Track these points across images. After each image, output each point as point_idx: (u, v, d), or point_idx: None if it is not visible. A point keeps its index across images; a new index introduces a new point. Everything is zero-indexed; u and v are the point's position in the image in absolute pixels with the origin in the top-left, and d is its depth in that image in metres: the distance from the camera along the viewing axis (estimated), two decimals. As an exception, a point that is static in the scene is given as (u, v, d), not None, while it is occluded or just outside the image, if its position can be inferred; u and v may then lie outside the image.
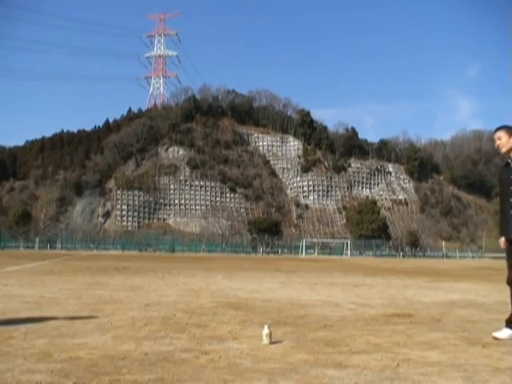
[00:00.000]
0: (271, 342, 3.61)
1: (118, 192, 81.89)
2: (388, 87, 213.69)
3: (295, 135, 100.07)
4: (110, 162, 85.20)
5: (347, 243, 54.60)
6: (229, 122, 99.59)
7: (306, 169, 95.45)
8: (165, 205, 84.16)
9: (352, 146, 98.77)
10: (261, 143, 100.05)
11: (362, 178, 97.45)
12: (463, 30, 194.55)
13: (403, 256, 56.92)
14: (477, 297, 7.60)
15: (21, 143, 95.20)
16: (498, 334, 4.00)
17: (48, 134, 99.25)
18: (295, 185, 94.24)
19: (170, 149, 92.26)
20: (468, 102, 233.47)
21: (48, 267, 14.16)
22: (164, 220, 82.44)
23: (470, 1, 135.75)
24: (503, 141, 4.18)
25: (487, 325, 4.75)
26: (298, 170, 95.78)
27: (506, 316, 5.38)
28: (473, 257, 57.65)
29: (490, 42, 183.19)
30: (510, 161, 4.16)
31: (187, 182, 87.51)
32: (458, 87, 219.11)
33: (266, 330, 3.65)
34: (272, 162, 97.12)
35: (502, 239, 4.18)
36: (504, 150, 4.20)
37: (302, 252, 51.75)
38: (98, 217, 79.91)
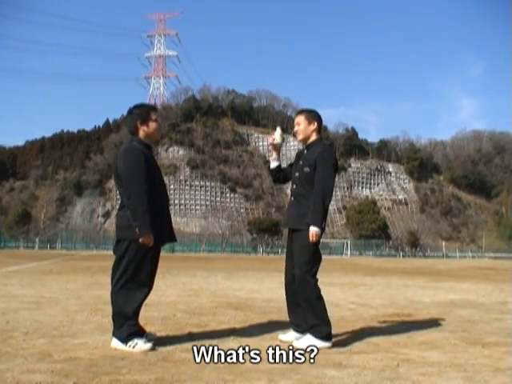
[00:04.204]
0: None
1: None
2: (392, 87, 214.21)
3: (295, 135, 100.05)
4: (110, 161, 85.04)
5: (347, 243, 54.57)
6: (229, 121, 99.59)
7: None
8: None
9: (352, 145, 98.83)
10: (261, 143, 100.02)
11: (362, 178, 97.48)
12: (467, 29, 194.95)
13: (403, 256, 56.92)
14: (477, 297, 7.60)
15: (21, 143, 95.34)
16: (282, 337, 3.73)
17: (48, 134, 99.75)
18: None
19: (170, 149, 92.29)
20: (471, 101, 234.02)
21: (48, 267, 14.15)
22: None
23: (473, 0, 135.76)
24: (301, 127, 3.79)
25: (487, 325, 4.75)
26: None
27: (506, 316, 5.39)
28: (473, 257, 57.66)
29: (495, 41, 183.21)
30: (305, 151, 3.77)
31: (187, 182, 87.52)
32: (462, 87, 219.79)
33: (278, 131, 3.90)
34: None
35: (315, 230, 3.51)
36: (300, 137, 3.80)
37: (301, 252, 51.64)
38: (98, 217, 79.96)
